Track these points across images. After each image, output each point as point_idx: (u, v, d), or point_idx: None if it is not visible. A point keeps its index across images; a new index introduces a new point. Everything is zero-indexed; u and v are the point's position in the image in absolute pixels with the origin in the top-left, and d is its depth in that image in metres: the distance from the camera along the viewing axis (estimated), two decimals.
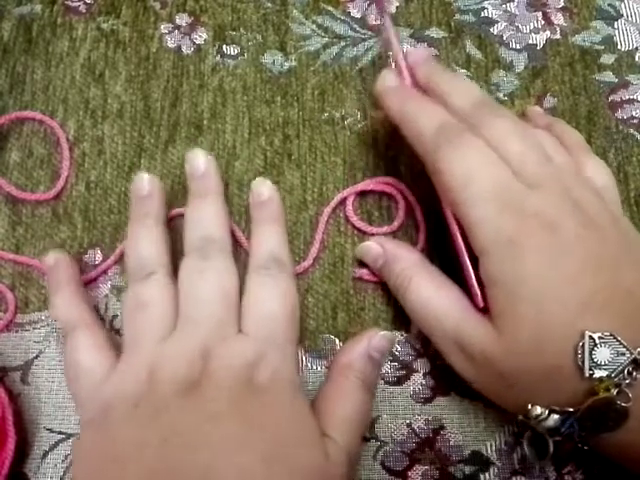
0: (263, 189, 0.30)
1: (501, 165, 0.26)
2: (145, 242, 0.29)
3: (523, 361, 0.24)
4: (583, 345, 0.23)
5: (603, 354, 0.23)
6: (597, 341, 0.23)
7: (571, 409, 0.24)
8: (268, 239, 0.29)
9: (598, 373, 0.23)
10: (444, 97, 0.29)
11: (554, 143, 0.28)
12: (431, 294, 0.28)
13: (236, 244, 0.31)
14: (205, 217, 0.29)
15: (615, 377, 0.23)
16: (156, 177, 0.30)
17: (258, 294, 0.27)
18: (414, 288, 0.28)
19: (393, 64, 0.31)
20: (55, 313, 0.29)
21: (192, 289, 0.27)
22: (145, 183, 0.30)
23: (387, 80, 0.30)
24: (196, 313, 0.26)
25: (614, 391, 0.23)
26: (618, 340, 0.23)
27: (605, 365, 0.23)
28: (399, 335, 0.31)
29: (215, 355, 0.25)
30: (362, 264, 0.32)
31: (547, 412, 0.24)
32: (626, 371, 0.23)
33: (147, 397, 0.24)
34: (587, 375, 0.23)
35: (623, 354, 0.23)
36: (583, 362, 0.23)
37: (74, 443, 0.26)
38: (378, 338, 0.27)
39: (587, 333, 0.23)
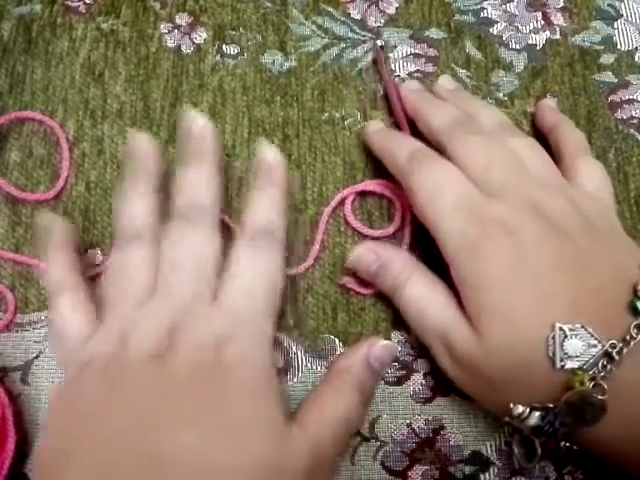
0: (267, 152, 0.29)
1: (464, 180, 0.28)
2: (135, 205, 0.28)
3: (500, 360, 0.25)
4: (554, 337, 0.24)
5: (574, 345, 0.24)
6: (567, 332, 0.24)
7: (550, 405, 0.24)
8: (262, 207, 0.28)
9: (570, 364, 0.24)
10: (425, 119, 0.31)
11: (534, 154, 0.29)
12: (425, 294, 0.28)
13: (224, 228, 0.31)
14: (195, 182, 0.28)
15: (589, 370, 0.24)
16: (154, 141, 0.29)
17: (239, 266, 0.27)
18: (410, 288, 0.28)
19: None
20: (46, 276, 0.28)
21: (171, 255, 0.27)
22: (144, 143, 0.29)
23: (372, 125, 0.34)
24: (172, 281, 0.26)
25: (589, 384, 0.23)
26: (589, 332, 0.24)
27: (577, 357, 0.24)
28: (399, 335, 0.31)
29: (183, 329, 0.25)
30: (347, 272, 0.32)
31: (528, 410, 0.24)
32: (600, 364, 0.24)
33: (116, 360, 0.25)
34: (559, 366, 0.24)
35: (595, 346, 0.24)
36: (554, 353, 0.24)
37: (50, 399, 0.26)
38: (379, 347, 0.27)
39: (557, 325, 0.24)
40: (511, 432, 0.29)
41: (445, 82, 0.35)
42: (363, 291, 0.31)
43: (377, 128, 0.33)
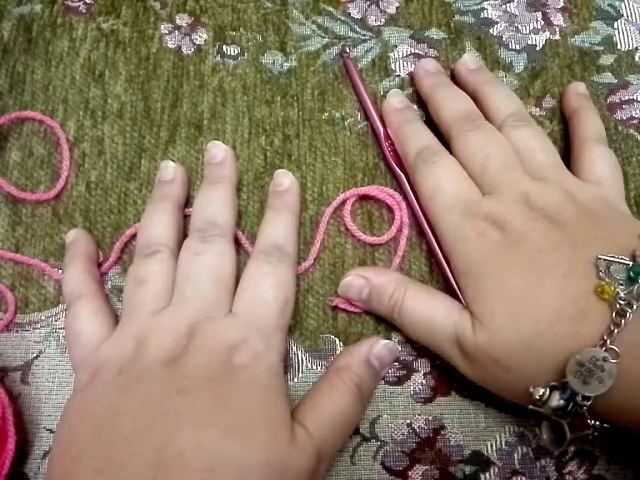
0: (284, 179, 0.32)
1: (462, 179, 0.29)
2: (157, 222, 0.30)
3: (505, 341, 0.25)
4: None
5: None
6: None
7: (566, 380, 0.24)
8: (276, 227, 0.31)
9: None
10: (435, 108, 0.33)
11: (537, 145, 0.30)
12: (426, 304, 0.29)
13: (237, 245, 0.31)
14: (212, 202, 0.31)
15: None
16: (181, 166, 0.33)
17: (253, 278, 0.29)
18: (409, 303, 0.29)
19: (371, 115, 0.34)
20: (64, 284, 0.30)
21: (188, 268, 0.28)
22: (170, 170, 0.32)
23: (392, 98, 0.34)
24: (189, 292, 0.28)
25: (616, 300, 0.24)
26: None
27: None
28: (399, 335, 0.31)
29: (200, 333, 0.26)
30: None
31: (548, 390, 0.24)
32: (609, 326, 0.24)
33: (131, 365, 0.26)
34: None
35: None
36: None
37: (64, 407, 0.27)
38: (380, 346, 0.29)
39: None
40: (537, 423, 0.27)
41: (468, 60, 0.35)
42: (355, 309, 0.31)
43: (396, 106, 0.33)
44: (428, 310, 0.28)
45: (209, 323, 0.27)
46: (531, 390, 0.24)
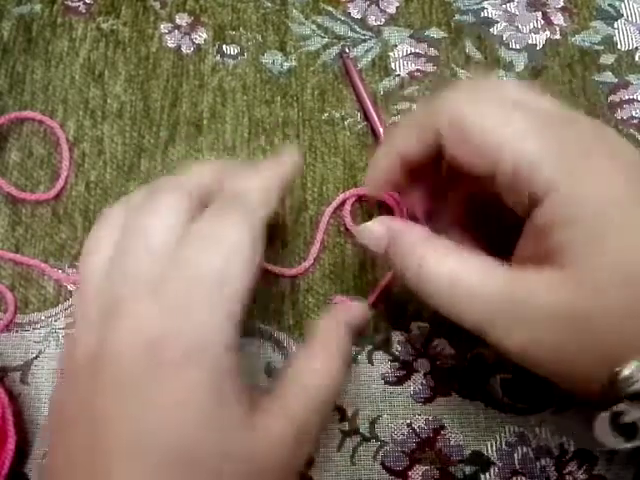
0: (286, 150, 0.27)
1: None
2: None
3: (607, 298, 0.20)
4: None
5: None
6: None
7: None
8: (247, 180, 0.24)
9: None
10: None
11: None
12: (456, 266, 0.22)
13: None
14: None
15: None
16: None
17: (196, 242, 0.22)
18: (430, 264, 0.23)
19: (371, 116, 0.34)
20: None
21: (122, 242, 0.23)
22: None
23: None
24: (116, 267, 0.22)
25: None
26: None
27: None
28: (399, 335, 0.31)
29: (116, 324, 0.21)
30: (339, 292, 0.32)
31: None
32: None
33: (67, 365, 0.23)
34: None
35: None
36: None
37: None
38: (356, 307, 0.27)
39: None
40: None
41: None
42: None
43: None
44: (459, 273, 0.22)
45: (128, 309, 0.21)
46: (617, 369, 0.19)
